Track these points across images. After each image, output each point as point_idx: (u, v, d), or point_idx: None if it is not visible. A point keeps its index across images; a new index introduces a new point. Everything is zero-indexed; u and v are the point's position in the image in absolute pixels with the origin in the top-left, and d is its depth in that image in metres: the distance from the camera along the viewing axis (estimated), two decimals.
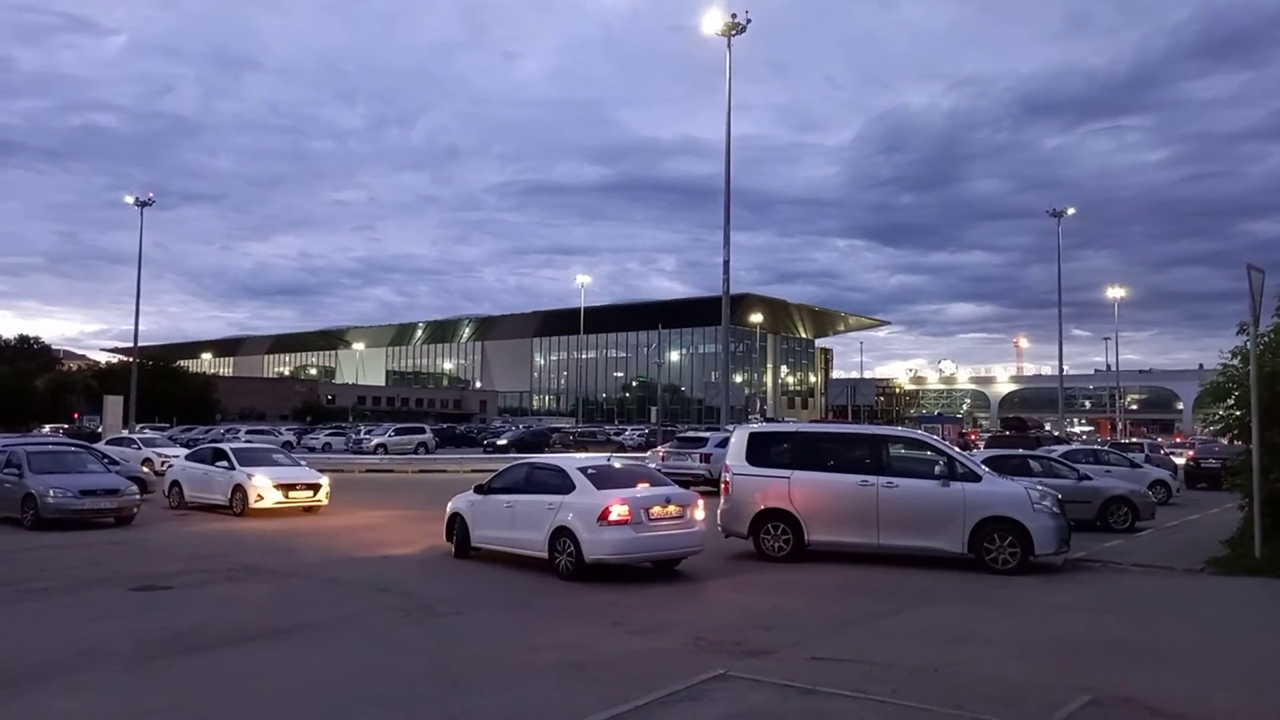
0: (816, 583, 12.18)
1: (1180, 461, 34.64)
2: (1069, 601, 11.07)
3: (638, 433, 66.27)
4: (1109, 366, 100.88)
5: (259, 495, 19.61)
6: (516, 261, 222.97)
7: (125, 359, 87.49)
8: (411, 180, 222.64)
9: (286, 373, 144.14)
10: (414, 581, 12.16)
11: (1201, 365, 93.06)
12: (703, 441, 30.30)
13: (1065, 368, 64.04)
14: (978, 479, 13.30)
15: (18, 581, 11.94)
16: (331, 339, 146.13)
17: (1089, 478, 19.33)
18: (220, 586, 11.75)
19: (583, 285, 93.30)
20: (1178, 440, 57.08)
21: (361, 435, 55.36)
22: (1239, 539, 14.40)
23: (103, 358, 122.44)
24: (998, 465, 16.53)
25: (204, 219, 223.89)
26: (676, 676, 7.12)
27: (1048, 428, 63.17)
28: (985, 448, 31.02)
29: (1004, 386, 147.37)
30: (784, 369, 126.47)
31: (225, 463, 20.65)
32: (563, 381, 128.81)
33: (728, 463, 14.61)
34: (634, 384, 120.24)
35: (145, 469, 25.56)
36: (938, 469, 13.42)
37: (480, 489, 13.75)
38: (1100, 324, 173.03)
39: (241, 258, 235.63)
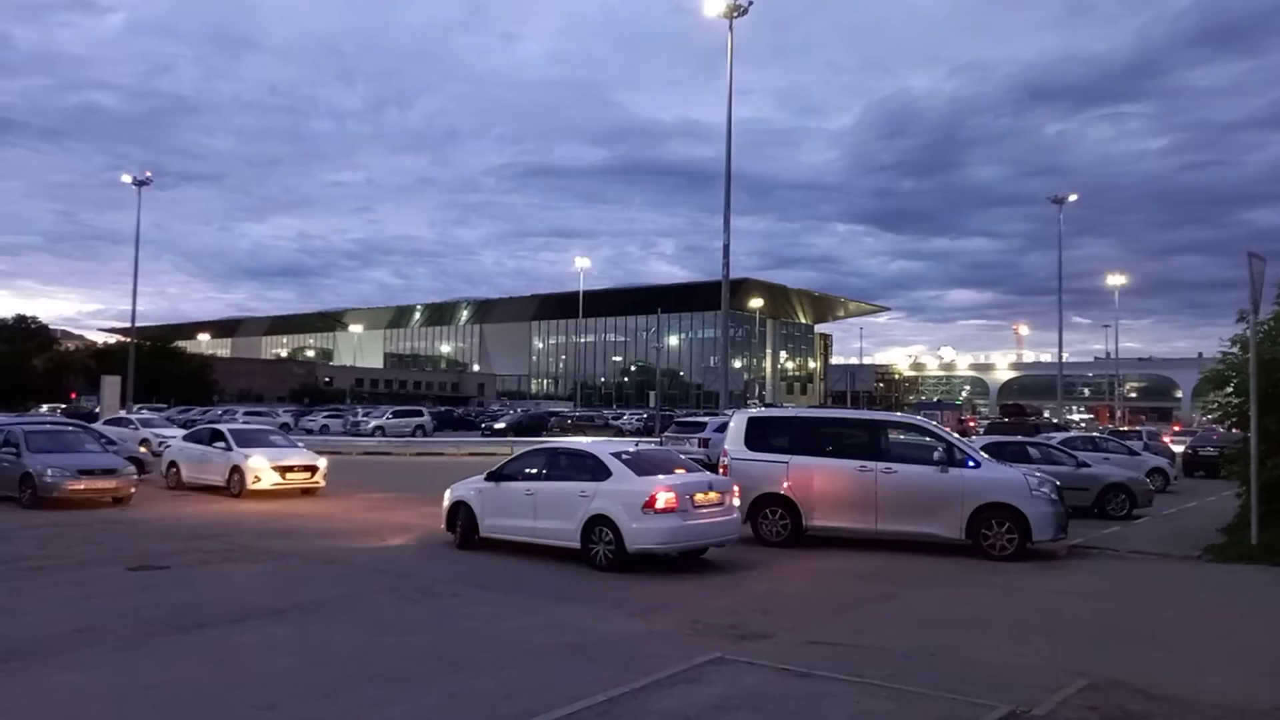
0: (814, 567, 12.21)
1: (1178, 449, 34.70)
2: (1066, 587, 11.10)
3: (636, 417, 66.25)
4: (1108, 354, 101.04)
5: (256, 476, 19.63)
6: (515, 244, 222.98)
7: (123, 339, 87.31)
8: (410, 162, 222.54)
9: (284, 354, 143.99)
10: (412, 562, 12.18)
11: (1200, 354, 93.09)
12: (701, 426, 30.36)
13: (1064, 355, 64.15)
14: (976, 465, 13.32)
15: (16, 560, 11.96)
16: (329, 321, 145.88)
17: (1087, 465, 19.36)
18: (218, 566, 11.77)
19: (582, 269, 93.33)
20: (1177, 429, 57.10)
21: (359, 417, 55.27)
22: (1236, 526, 14.44)
23: (100, 338, 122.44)
24: (996, 452, 16.54)
25: (202, 199, 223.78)
26: (673, 659, 7.15)
27: (1046, 415, 63.33)
28: (984, 434, 31.08)
29: (1003, 373, 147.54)
30: (783, 354, 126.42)
31: (223, 444, 20.65)
32: (561, 365, 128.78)
33: (726, 447, 14.61)
34: (632, 368, 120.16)
35: (143, 449, 25.55)
36: (936, 455, 13.42)
37: (492, 476, 13.06)
38: (1100, 311, 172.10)
39: (240, 238, 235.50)
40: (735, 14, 31.87)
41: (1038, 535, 12.89)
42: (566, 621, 8.79)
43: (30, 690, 6.52)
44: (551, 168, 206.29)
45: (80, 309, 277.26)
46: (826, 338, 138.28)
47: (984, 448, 16.07)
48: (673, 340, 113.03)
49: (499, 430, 51.65)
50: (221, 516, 16.64)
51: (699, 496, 11.53)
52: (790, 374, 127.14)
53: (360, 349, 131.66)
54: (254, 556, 12.52)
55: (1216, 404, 16.28)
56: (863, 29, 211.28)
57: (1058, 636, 8.47)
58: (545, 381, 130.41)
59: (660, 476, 11.67)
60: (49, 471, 17.33)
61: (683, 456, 14.36)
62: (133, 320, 60.09)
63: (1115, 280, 73.62)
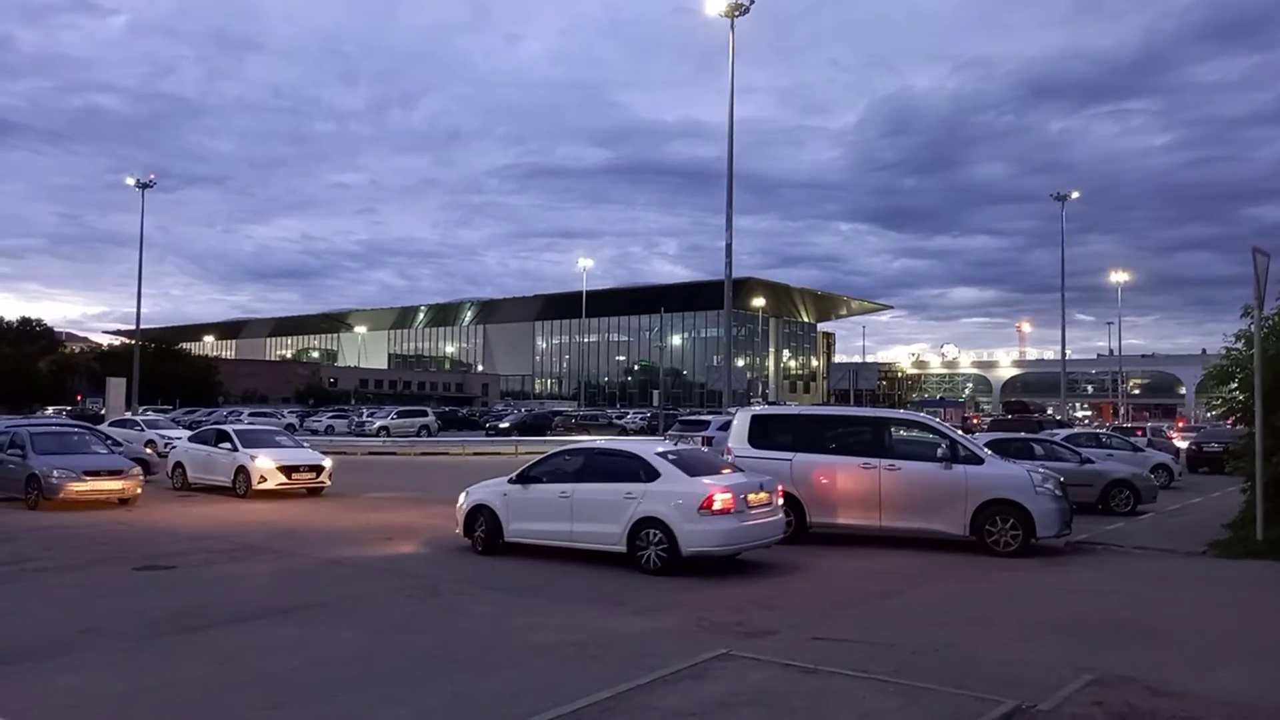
0: (818, 564, 12.20)
1: (1182, 445, 34.64)
2: (1070, 583, 11.09)
3: (640, 416, 66.35)
4: (1112, 351, 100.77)
5: (262, 477, 19.68)
6: (518, 245, 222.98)
7: (128, 341, 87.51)
8: (413, 163, 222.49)
9: (289, 355, 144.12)
10: (417, 562, 12.19)
11: (1204, 350, 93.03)
12: (705, 425, 30.39)
13: (1068, 352, 64.03)
14: (980, 462, 13.30)
15: (22, 561, 12.00)
16: (334, 322, 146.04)
17: (1091, 461, 19.33)
18: (223, 566, 11.80)
19: (585, 269, 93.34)
20: (1181, 425, 57.00)
21: (364, 418, 55.40)
22: (1241, 522, 14.41)
23: (105, 340, 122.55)
24: (1000, 448, 16.52)
25: (206, 201, 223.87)
26: (679, 656, 7.14)
27: (1050, 412, 63.22)
28: (988, 431, 31.04)
29: (1006, 371, 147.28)
30: (786, 353, 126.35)
31: (228, 444, 20.71)
32: (564, 365, 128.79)
33: (730, 445, 14.60)
34: (636, 368, 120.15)
35: (148, 450, 25.60)
36: (940, 452, 13.41)
37: (521, 478, 12.55)
38: (1103, 309, 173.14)
39: (243, 240, 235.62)
40: (737, 13, 31.87)
41: (1042, 531, 12.87)
42: (571, 619, 8.79)
43: (36, 691, 6.53)
44: (554, 168, 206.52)
45: (85, 311, 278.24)
46: (829, 336, 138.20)
47: (988, 444, 16.03)
48: (676, 340, 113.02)
49: (503, 430, 51.75)
50: (227, 517, 16.67)
51: (751, 497, 11.30)
52: (793, 373, 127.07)
53: (364, 350, 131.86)
54: (259, 556, 12.54)
55: (1221, 400, 16.24)
56: (865, 26, 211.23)
57: (1063, 632, 8.46)
58: (549, 381, 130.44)
59: (712, 477, 11.42)
60: (55, 473, 17.39)
61: (725, 457, 13.80)
62: (137, 322, 60.31)
63: (1119, 277, 73.50)
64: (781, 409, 20.78)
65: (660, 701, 6.07)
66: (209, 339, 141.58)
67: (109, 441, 21.39)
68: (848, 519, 13.62)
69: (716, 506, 10.86)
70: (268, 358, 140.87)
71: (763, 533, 11.48)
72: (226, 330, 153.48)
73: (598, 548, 11.61)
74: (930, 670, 6.90)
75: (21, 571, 11.28)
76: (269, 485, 19.67)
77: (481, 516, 12.68)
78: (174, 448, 23.27)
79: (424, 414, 55.77)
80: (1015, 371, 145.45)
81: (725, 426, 20.21)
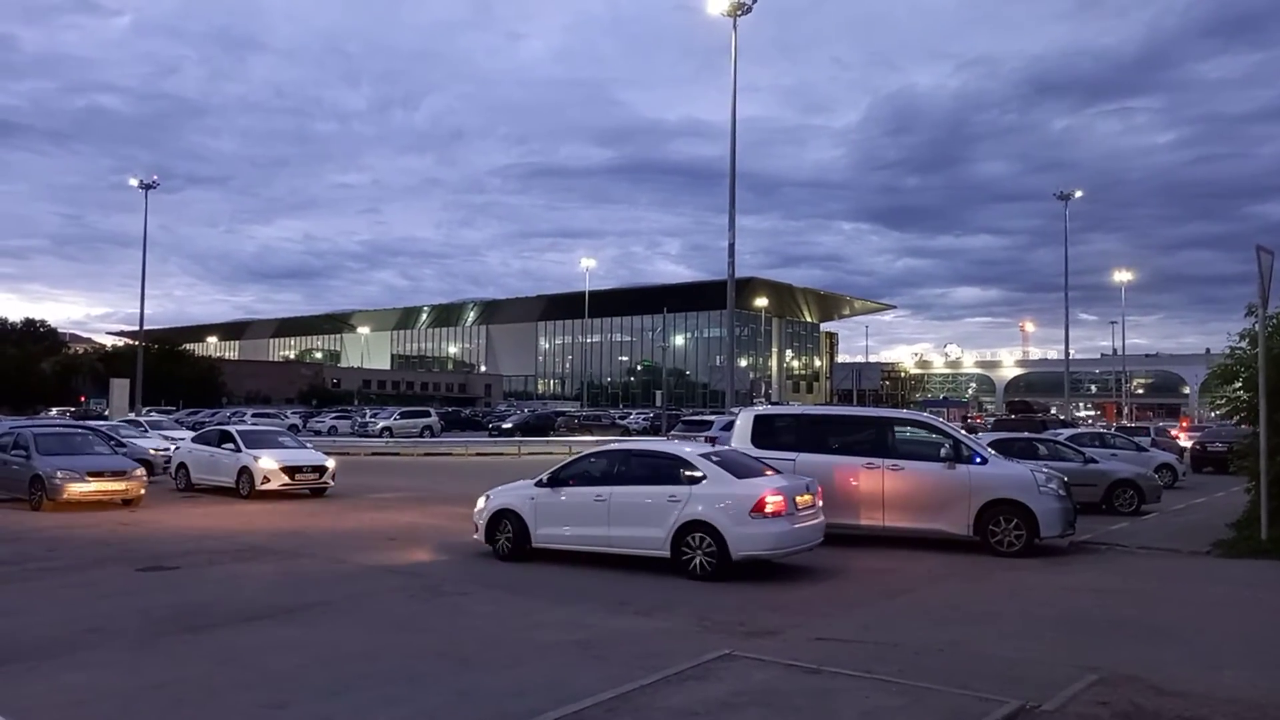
0: (821, 564, 12.17)
1: (1186, 445, 34.57)
2: (1074, 583, 11.07)
3: (642, 417, 66.38)
4: (1115, 350, 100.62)
5: (265, 477, 19.70)
6: (521, 245, 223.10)
7: (131, 342, 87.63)
8: (416, 163, 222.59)
9: (292, 356, 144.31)
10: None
11: (1209, 349, 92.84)
12: (708, 425, 30.42)
13: (1071, 352, 63.86)
14: (983, 461, 13.29)
15: (26, 561, 12.02)
16: (336, 322, 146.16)
17: (1095, 461, 19.29)
18: (227, 566, 11.81)
19: (587, 269, 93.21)
20: (1185, 425, 56.89)
21: (367, 418, 55.50)
22: (1245, 521, 14.37)
23: (109, 341, 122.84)
24: (1003, 448, 16.49)
25: (209, 201, 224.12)
26: (682, 656, 7.14)
27: (1054, 411, 63.16)
28: (991, 431, 30.99)
29: (1009, 370, 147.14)
30: (789, 353, 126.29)
31: (232, 445, 20.74)
32: (567, 365, 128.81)
33: (733, 445, 14.59)
34: (639, 368, 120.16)
35: (152, 451, 25.61)
36: (943, 451, 13.39)
37: (551, 481, 12.07)
38: (1107, 308, 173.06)
39: (246, 241, 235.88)
40: (739, 12, 31.88)
41: (1045, 531, 12.86)
42: (574, 619, 8.79)
43: (40, 690, 6.54)
44: (557, 168, 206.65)
45: (88, 312, 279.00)
46: (832, 336, 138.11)
47: (991, 444, 16.00)
48: (678, 340, 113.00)
49: (506, 430, 51.77)
50: (231, 517, 16.69)
51: (799, 499, 11.06)
52: (796, 373, 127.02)
53: (367, 350, 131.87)
54: (263, 557, 12.55)
55: (1225, 399, 16.20)
56: (868, 24, 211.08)
57: (1067, 632, 8.45)
58: (552, 382, 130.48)
59: (758, 479, 11.17)
60: (58, 474, 17.41)
61: (765, 459, 13.01)
62: (140, 323, 60.40)
63: (1122, 276, 73.44)
64: (785, 409, 20.75)
65: (664, 701, 6.07)
66: (212, 340, 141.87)
67: (112, 442, 21.44)
68: (851, 519, 13.59)
69: (769, 509, 10.59)
70: (271, 358, 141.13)
71: (810, 535, 11.26)
72: (230, 331, 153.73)
73: (638, 553, 11.22)
74: (934, 670, 6.89)
75: (25, 571, 11.30)
76: (272, 486, 19.69)
77: (506, 521, 12.14)
78: (178, 448, 23.28)
79: (427, 415, 55.85)
80: (1019, 371, 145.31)
81: (728, 427, 20.20)
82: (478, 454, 38.93)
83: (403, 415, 54.87)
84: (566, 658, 7.39)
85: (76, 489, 17.39)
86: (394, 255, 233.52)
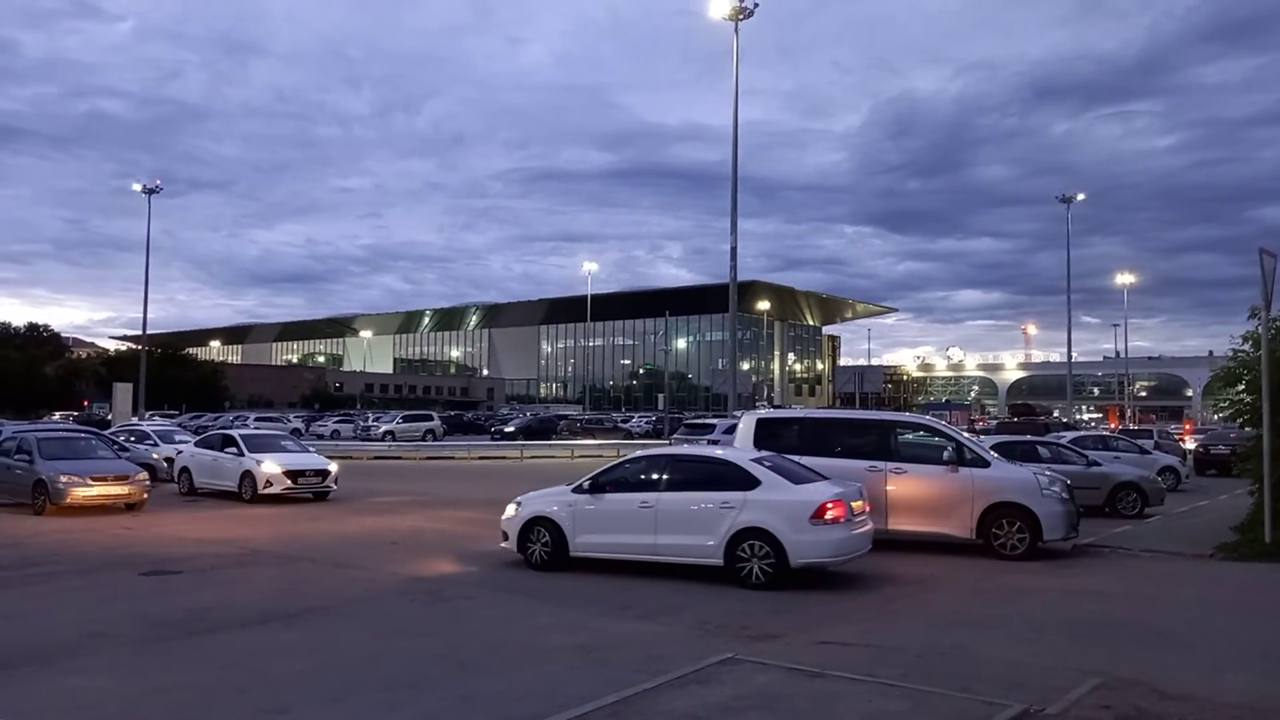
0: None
1: (1190, 448, 34.52)
2: (1077, 586, 11.05)
3: (645, 420, 66.32)
4: (1118, 353, 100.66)
5: (268, 481, 19.71)
6: (523, 249, 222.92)
7: (134, 346, 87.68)
8: (418, 167, 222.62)
9: (294, 360, 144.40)
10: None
11: (1211, 352, 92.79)
12: (710, 428, 30.42)
13: (1074, 355, 63.81)
14: (986, 465, 13.27)
15: (29, 565, 12.03)
16: (339, 326, 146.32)
17: (1098, 464, 19.25)
18: (230, 571, 11.81)
19: (589, 272, 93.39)
20: (1188, 428, 56.81)
21: (369, 422, 55.50)
22: (1249, 524, 14.35)
23: (112, 345, 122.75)
24: (1006, 451, 16.46)
25: (211, 206, 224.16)
26: (684, 659, 7.13)
27: (1056, 414, 63.10)
28: (993, 434, 30.93)
29: (1012, 373, 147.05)
30: (791, 356, 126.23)
31: (234, 449, 20.76)
32: (569, 369, 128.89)
33: (735, 448, 14.57)
34: (641, 371, 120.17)
35: (155, 455, 25.62)
36: (946, 454, 13.38)
37: (592, 487, 11.68)
38: (1109, 311, 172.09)
39: (248, 245, 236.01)
40: (741, 16, 31.89)
41: (1049, 534, 12.84)
42: (576, 623, 8.78)
43: (42, 693, 6.55)
44: (558, 172, 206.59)
45: (91, 317, 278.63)
46: (834, 339, 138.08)
47: (994, 447, 15.98)
48: (680, 343, 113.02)
49: (509, 434, 51.78)
50: (234, 521, 16.69)
51: (855, 505, 10.88)
52: (798, 376, 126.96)
53: (370, 354, 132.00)
54: (266, 561, 12.55)
55: (1228, 402, 16.19)
56: (869, 28, 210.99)
57: (1070, 635, 8.43)
58: (554, 385, 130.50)
59: (816, 484, 11.00)
60: (61, 478, 17.42)
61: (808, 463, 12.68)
62: (144, 327, 60.36)
63: (1124, 279, 73.37)
64: (787, 412, 20.74)
65: (665, 705, 6.06)
66: (215, 344, 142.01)
67: (115, 446, 21.45)
68: None
69: (829, 515, 10.36)
70: (273, 362, 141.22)
71: (864, 543, 11.01)
72: (232, 335, 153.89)
73: (688, 561, 10.88)
74: (937, 673, 6.88)
75: (28, 576, 11.31)
76: (275, 490, 19.70)
77: (541, 529, 11.71)
78: (180, 453, 23.29)
79: (429, 418, 55.90)
80: (1021, 374, 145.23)
81: (731, 430, 20.20)
82: (480, 458, 38.93)
83: (405, 419, 54.90)
84: (568, 661, 7.38)
85: (80, 493, 17.40)
86: (396, 259, 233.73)
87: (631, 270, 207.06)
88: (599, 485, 11.68)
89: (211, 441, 22.37)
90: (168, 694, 6.52)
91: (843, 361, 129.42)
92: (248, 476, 19.96)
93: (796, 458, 13.74)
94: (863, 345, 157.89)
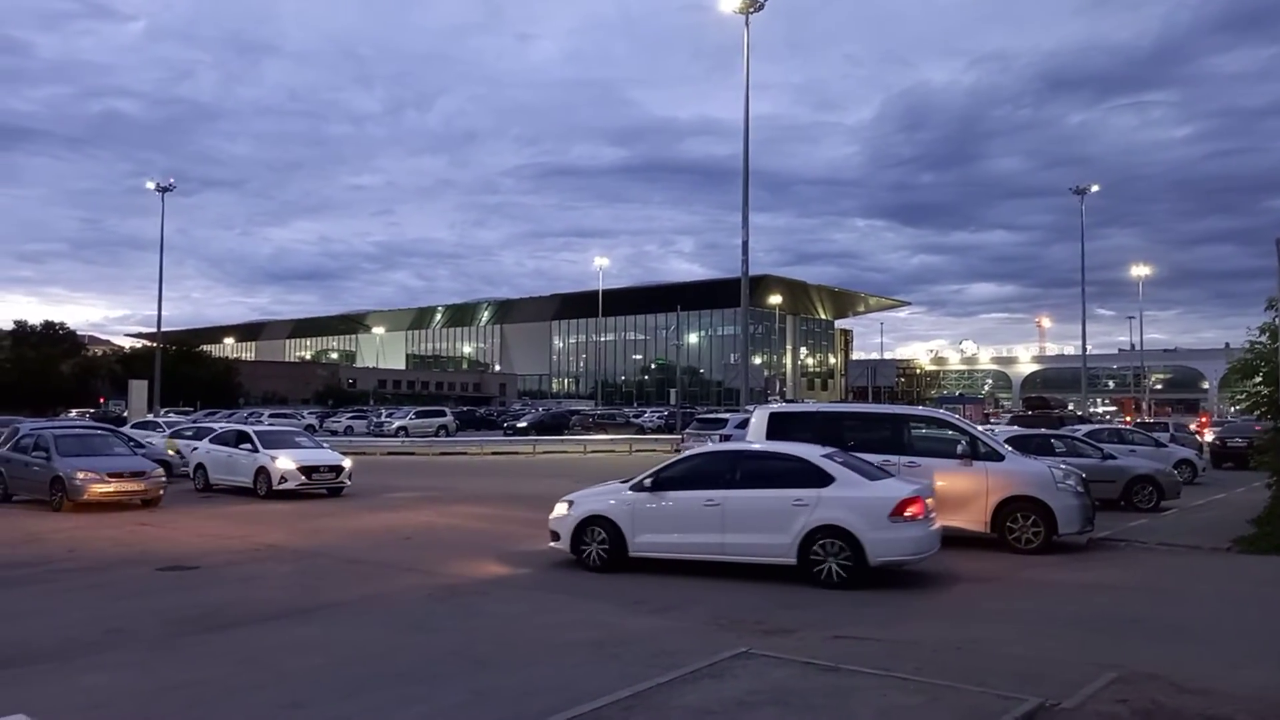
0: None
1: (1206, 440, 34.28)
2: (1093, 580, 11.00)
3: (657, 415, 66.34)
4: (1133, 346, 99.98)
5: (282, 477, 19.82)
6: (534, 245, 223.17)
7: (149, 344, 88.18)
8: (429, 164, 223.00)
9: (308, 357, 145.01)
10: (435, 561, 12.21)
11: (1228, 344, 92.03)
12: (722, 423, 30.34)
13: (1089, 347, 63.48)
14: (1000, 458, 13.21)
15: (47, 562, 12.13)
16: (352, 323, 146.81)
17: (1113, 457, 19.14)
18: (245, 566, 11.87)
19: (601, 268, 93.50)
20: (1204, 420, 56.42)
21: (382, 418, 55.71)
22: (1266, 517, 14.23)
23: (127, 343, 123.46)
24: (1020, 444, 16.40)
25: (224, 204, 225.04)
26: (698, 654, 7.13)
27: (1071, 408, 62.75)
28: (1007, 427, 30.77)
29: (1026, 367, 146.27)
30: (803, 350, 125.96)
31: (249, 445, 20.87)
32: (581, 364, 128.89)
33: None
34: (653, 366, 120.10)
35: (170, 452, 25.79)
36: (960, 448, 13.32)
37: (653, 484, 11.29)
38: (1124, 303, 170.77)
39: (262, 243, 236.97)
40: (751, 9, 31.80)
41: (1064, 528, 12.78)
42: (590, 618, 8.79)
43: (60, 690, 6.60)
44: (569, 168, 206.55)
45: (107, 315, 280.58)
46: (847, 333, 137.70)
47: (1008, 440, 15.93)
48: (693, 338, 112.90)
49: (521, 430, 51.86)
50: (249, 517, 16.78)
51: (929, 502, 10.72)
52: (811, 370, 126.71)
53: (383, 351, 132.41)
54: (281, 556, 12.61)
55: (1245, 394, 16.07)
56: (881, 21, 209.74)
57: (1086, 629, 8.39)
58: (566, 380, 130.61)
59: (891, 481, 10.86)
60: (78, 475, 17.55)
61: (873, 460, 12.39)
62: (159, 325, 60.85)
63: (1140, 271, 72.92)
64: (799, 407, 20.71)
65: (680, 700, 6.06)
66: (229, 341, 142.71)
67: (131, 443, 21.60)
68: None
69: (909, 513, 10.16)
70: (287, 359, 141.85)
71: (938, 540, 10.84)
72: (246, 332, 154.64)
73: (759, 560, 10.58)
74: (951, 668, 6.85)
75: (46, 572, 11.40)
76: (289, 486, 19.80)
77: (597, 528, 11.34)
78: (195, 449, 23.42)
79: (442, 414, 56.07)
80: (1035, 367, 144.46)
81: (743, 425, 20.17)
82: (493, 453, 39.01)
83: (418, 415, 55.08)
84: (582, 656, 7.39)
85: (97, 490, 17.53)
86: (408, 256, 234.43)
87: (643, 265, 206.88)
88: (660, 483, 11.30)
89: (226, 438, 22.49)
90: (184, 690, 6.56)
91: (855, 355, 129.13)
92: (262, 472, 20.07)
93: None
94: (875, 339, 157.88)
